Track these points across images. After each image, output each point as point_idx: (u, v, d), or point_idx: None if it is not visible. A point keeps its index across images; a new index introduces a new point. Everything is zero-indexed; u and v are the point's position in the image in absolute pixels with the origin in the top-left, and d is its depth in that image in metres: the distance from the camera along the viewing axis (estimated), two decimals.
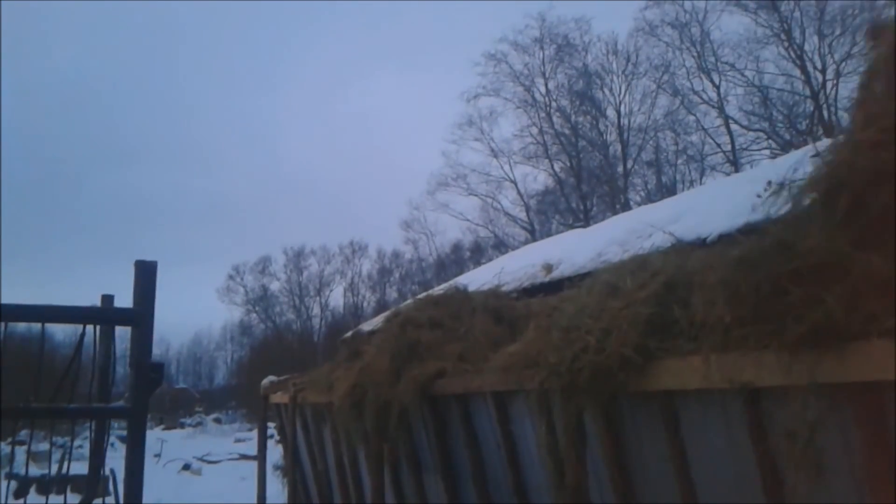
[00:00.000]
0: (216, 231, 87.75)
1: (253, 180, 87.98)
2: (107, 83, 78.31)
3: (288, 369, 10.66)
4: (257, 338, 60.34)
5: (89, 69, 79.40)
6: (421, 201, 46.89)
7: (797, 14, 32.71)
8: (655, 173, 38.48)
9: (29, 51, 75.81)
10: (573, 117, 39.82)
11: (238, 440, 33.45)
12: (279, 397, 8.67)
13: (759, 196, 2.66)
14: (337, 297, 61.17)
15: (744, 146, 34.83)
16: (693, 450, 2.75)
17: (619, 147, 38.95)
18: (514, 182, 40.98)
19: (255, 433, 19.95)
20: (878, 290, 1.95)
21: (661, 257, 3.22)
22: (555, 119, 39.93)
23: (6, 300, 3.19)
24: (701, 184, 31.38)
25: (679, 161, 37.98)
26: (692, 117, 36.62)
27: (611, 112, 39.48)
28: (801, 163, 2.31)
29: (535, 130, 40.05)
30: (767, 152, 32.53)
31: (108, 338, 3.70)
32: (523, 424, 3.86)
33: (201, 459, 25.56)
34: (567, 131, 39.55)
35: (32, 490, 10.40)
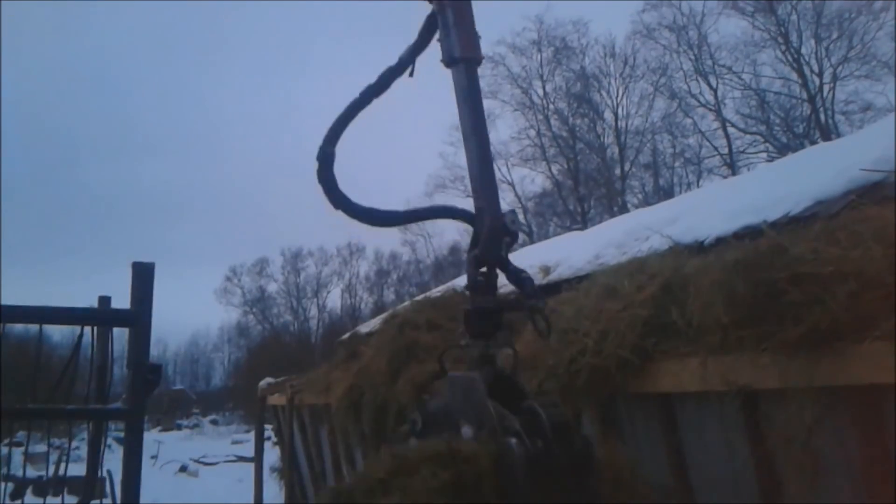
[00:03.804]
0: (214, 232, 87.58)
1: (251, 180, 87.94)
2: (106, 82, 78.19)
3: (285, 371, 10.63)
4: (255, 339, 60.24)
5: (87, 67, 79.30)
6: (418, 203, 46.75)
7: (794, 17, 32.79)
8: (653, 176, 38.52)
9: (26, 47, 75.73)
10: (571, 120, 39.84)
11: (235, 442, 33.37)
12: (276, 399, 8.66)
13: None
14: (334, 299, 61.09)
15: (741, 149, 34.89)
16: (690, 452, 2.75)
17: (616, 149, 38.98)
18: (511, 184, 40.91)
19: (252, 435, 19.90)
20: (877, 292, 1.96)
21: (659, 260, 3.22)
22: (552, 121, 39.94)
23: (3, 301, 3.18)
24: (698, 186, 31.43)
25: (676, 164, 38.06)
26: (689, 120, 36.69)
27: (608, 115, 39.53)
28: None
29: (532, 133, 40.06)
30: (764, 155, 32.60)
31: (105, 339, 3.70)
32: None
33: (198, 461, 25.49)
34: (565, 134, 39.56)
35: (29, 491, 10.39)
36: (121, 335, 3.70)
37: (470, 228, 2.75)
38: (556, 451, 2.13)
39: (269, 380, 9.39)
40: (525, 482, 2.07)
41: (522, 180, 40.96)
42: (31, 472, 8.83)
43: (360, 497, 2.19)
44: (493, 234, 2.49)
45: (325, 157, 2.72)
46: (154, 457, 24.58)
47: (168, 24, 77.83)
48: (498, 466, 2.11)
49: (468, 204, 2.90)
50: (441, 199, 42.62)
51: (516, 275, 2.56)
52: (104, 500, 3.80)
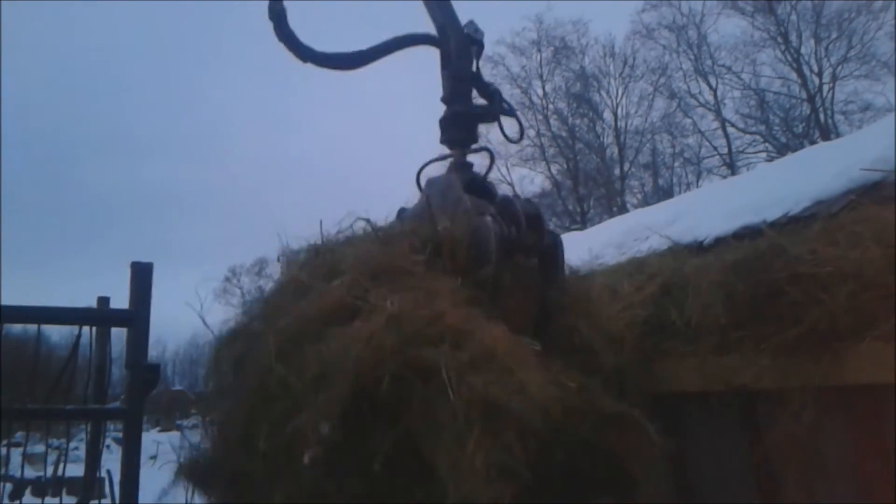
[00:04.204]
0: (213, 232, 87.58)
1: (250, 180, 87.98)
2: (105, 82, 78.20)
3: None
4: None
5: (87, 67, 79.32)
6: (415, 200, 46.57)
7: (794, 17, 32.79)
8: (652, 176, 38.48)
9: (26, 46, 75.66)
10: (570, 120, 39.81)
11: None
12: None
13: None
14: None
15: (740, 149, 34.84)
16: (690, 451, 2.75)
17: (615, 150, 38.93)
18: (511, 184, 40.91)
19: None
20: (876, 292, 1.95)
21: (658, 260, 3.22)
22: (552, 121, 39.87)
23: (3, 302, 3.18)
24: (697, 186, 31.42)
25: (676, 164, 37.99)
26: (689, 120, 36.60)
27: (608, 115, 39.47)
28: None
29: (532, 133, 40.00)
30: (764, 155, 32.56)
31: (103, 339, 3.69)
32: None
33: None
34: (564, 134, 39.55)
35: (28, 492, 10.37)
36: (120, 335, 3.69)
37: None
38: (529, 238, 2.26)
39: None
40: (498, 255, 2.16)
41: (522, 180, 40.88)
42: (31, 473, 8.82)
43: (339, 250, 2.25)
44: (461, 45, 2.56)
45: (278, 14, 2.73)
46: (153, 457, 24.58)
47: (166, 23, 77.81)
48: (473, 239, 2.19)
49: None
50: None
51: (486, 87, 2.65)
52: (103, 501, 3.79)
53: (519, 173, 40.65)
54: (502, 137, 2.93)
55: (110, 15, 75.34)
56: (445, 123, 2.60)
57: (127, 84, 79.77)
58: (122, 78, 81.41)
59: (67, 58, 79.33)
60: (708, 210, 4.23)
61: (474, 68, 2.71)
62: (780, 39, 33.09)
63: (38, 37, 75.58)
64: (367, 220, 2.49)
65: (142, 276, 3.32)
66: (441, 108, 2.74)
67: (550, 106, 39.96)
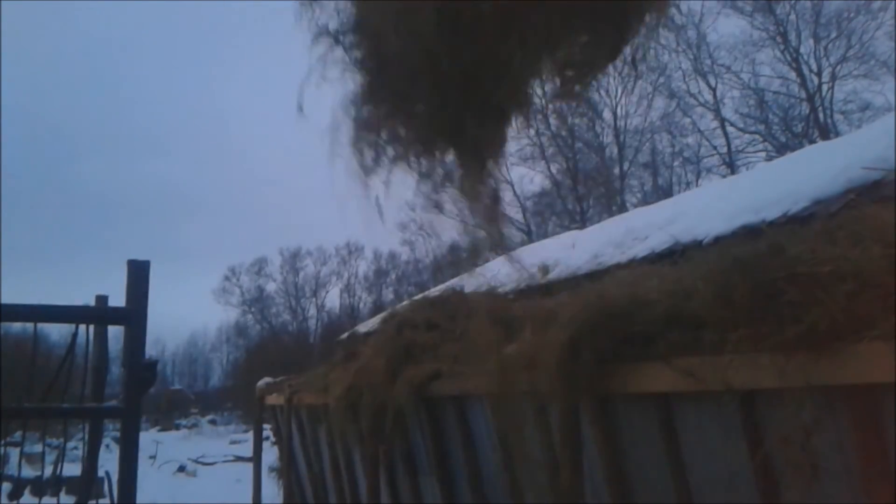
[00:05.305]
0: (212, 231, 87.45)
1: (250, 179, 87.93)
2: (105, 80, 78.15)
3: (284, 371, 10.61)
4: (253, 339, 60.13)
5: (87, 65, 79.26)
6: (417, 202, 46.51)
7: (793, 17, 32.80)
8: (652, 175, 38.51)
9: (25, 44, 75.60)
10: (570, 119, 39.80)
11: (233, 442, 33.32)
12: (275, 399, 8.64)
13: None
14: (333, 299, 61.09)
15: (739, 148, 34.90)
16: (688, 452, 2.74)
17: (615, 149, 38.96)
18: (510, 184, 40.87)
19: (250, 435, 19.88)
20: (875, 291, 1.95)
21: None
22: (551, 121, 39.89)
23: (3, 300, 3.17)
24: (697, 186, 31.42)
25: (675, 163, 38.03)
26: (688, 119, 36.66)
27: (607, 114, 39.50)
28: None
29: (531, 132, 40.02)
30: (763, 155, 32.60)
31: (101, 338, 3.69)
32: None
33: (196, 461, 25.48)
34: (563, 133, 39.55)
35: (27, 492, 10.38)
36: (119, 334, 3.69)
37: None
38: None
39: (267, 380, 9.36)
40: None
41: (521, 179, 40.88)
42: (30, 473, 8.82)
43: None
44: None
45: None
46: (152, 457, 24.55)
47: (167, 20, 77.76)
48: None
49: None
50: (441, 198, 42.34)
51: None
52: (102, 501, 3.79)
53: (518, 172, 40.62)
54: None
55: (111, 12, 75.31)
56: None
57: (127, 81, 79.69)
58: (123, 75, 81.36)
59: (67, 55, 79.29)
60: (707, 210, 4.23)
61: None
62: (779, 39, 33.10)
63: (38, 34, 75.56)
64: None
65: (138, 273, 3.32)
66: None
67: (550, 105, 39.95)
